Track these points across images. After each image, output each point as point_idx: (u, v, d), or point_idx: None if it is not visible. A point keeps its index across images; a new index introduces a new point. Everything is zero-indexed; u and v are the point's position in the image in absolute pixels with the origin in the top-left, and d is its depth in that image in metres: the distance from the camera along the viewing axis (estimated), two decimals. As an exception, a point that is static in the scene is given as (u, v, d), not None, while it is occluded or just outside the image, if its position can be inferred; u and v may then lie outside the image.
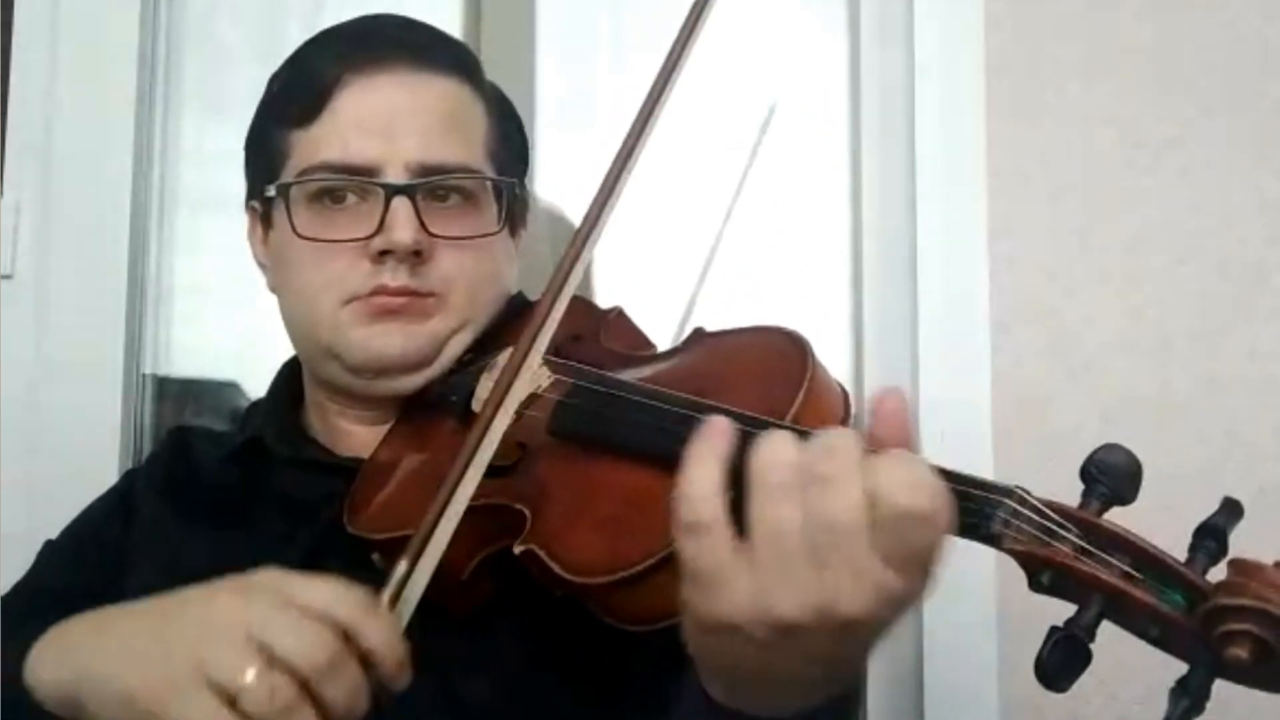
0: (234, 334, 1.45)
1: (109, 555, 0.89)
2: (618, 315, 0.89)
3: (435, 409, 0.86)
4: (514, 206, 0.93)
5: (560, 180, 1.38)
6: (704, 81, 1.41)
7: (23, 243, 1.34)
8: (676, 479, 0.54)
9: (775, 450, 0.53)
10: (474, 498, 0.69)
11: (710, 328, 0.80)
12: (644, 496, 0.62)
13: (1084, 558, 0.52)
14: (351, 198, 0.86)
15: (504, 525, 0.69)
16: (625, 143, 0.73)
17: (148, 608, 0.66)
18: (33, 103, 1.35)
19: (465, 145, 0.88)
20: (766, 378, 0.67)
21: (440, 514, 0.64)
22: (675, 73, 0.74)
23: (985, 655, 1.25)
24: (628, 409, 0.69)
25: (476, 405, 0.82)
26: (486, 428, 0.65)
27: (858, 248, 1.41)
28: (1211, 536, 0.53)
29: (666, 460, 0.56)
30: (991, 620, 1.23)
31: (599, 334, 0.86)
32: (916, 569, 0.52)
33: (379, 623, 0.60)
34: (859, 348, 1.40)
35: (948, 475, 0.55)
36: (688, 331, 0.82)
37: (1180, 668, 0.52)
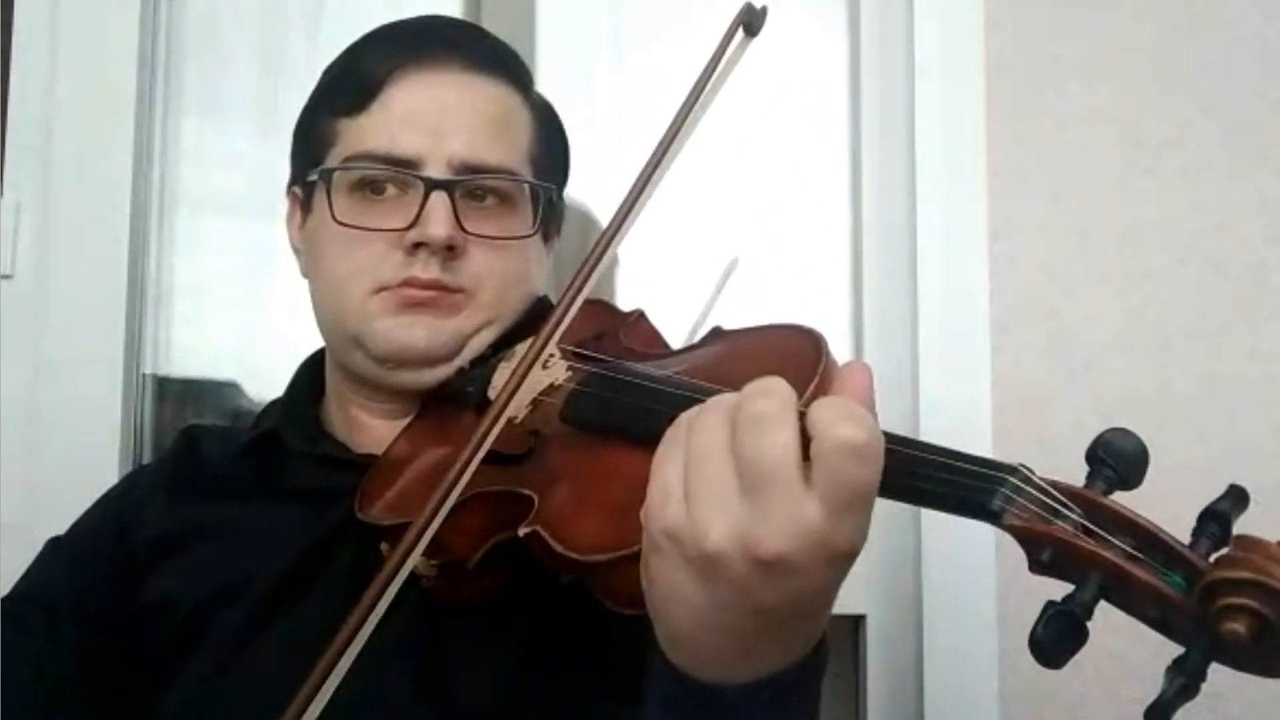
0: (234, 334, 1.45)
1: (112, 561, 0.89)
2: (639, 317, 0.91)
3: (452, 403, 0.87)
4: (549, 212, 0.94)
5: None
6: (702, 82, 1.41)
7: (23, 243, 1.34)
8: None
9: (721, 396, 0.57)
10: (483, 485, 0.70)
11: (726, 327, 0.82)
12: (649, 480, 0.63)
13: (1086, 536, 0.52)
14: (391, 189, 0.87)
15: (513, 511, 0.69)
16: (655, 151, 0.74)
17: None
18: (33, 103, 1.35)
19: (508, 148, 0.90)
20: (779, 370, 0.67)
21: (449, 489, 0.64)
22: (708, 90, 0.75)
23: (985, 654, 1.25)
24: (637, 395, 0.70)
25: (493, 393, 0.83)
26: (499, 414, 0.66)
27: (858, 247, 1.42)
28: (1215, 521, 0.53)
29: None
30: (992, 620, 1.23)
31: (620, 334, 0.87)
32: (847, 509, 0.52)
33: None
34: (859, 348, 1.40)
35: (948, 453, 0.55)
36: (687, 332, 0.83)
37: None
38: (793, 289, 1.44)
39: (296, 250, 0.96)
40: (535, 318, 0.92)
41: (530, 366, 0.68)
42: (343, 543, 0.82)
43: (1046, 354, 1.33)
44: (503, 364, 0.86)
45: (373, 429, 0.91)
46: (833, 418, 0.52)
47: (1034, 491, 0.53)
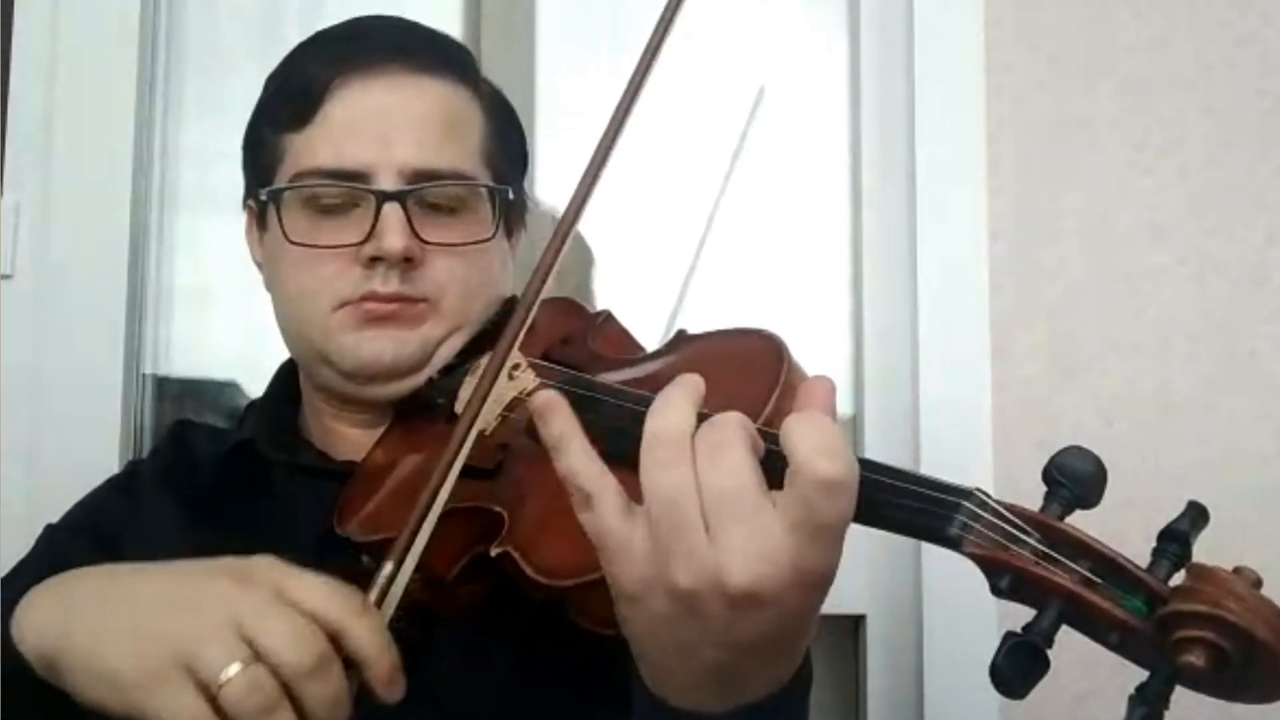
0: (234, 334, 1.45)
1: (107, 546, 0.88)
2: (606, 319, 0.89)
3: (424, 413, 0.86)
4: (509, 212, 0.92)
5: (560, 181, 1.38)
6: (704, 81, 1.41)
7: (23, 243, 1.34)
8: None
9: (665, 415, 0.55)
10: (456, 500, 0.69)
11: (695, 330, 0.81)
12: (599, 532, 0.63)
13: (1044, 562, 0.51)
14: (344, 203, 0.85)
15: (485, 528, 0.69)
16: (599, 146, 0.73)
17: (149, 578, 0.65)
18: (33, 103, 1.35)
19: (460, 150, 0.88)
20: (741, 379, 0.67)
21: (422, 517, 0.63)
22: (644, 80, 0.74)
23: (985, 654, 1.25)
24: (597, 410, 0.69)
25: (459, 407, 0.82)
26: (466, 432, 0.65)
27: (858, 248, 1.41)
28: (1174, 541, 0.51)
29: (629, 461, 0.56)
30: (991, 620, 1.23)
31: (586, 337, 0.85)
32: (818, 538, 0.51)
33: (369, 625, 0.60)
34: (859, 348, 1.40)
35: (905, 476, 0.55)
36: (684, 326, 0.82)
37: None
38: (792, 289, 1.44)
39: (258, 264, 0.94)
40: (505, 319, 0.91)
41: (492, 382, 0.67)
42: (324, 552, 0.79)
43: (1046, 354, 1.33)
44: (468, 377, 0.84)
45: (349, 437, 0.90)
46: (809, 450, 0.51)
47: (990, 517, 0.52)
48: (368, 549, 0.76)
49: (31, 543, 0.95)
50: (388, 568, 0.63)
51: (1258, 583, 0.49)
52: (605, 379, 0.75)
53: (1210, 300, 1.33)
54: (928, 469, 1.30)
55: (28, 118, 1.35)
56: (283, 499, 0.88)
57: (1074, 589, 0.50)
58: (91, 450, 1.31)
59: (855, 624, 1.36)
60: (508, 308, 0.92)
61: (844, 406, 1.41)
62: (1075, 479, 0.53)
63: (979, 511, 0.52)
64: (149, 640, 0.59)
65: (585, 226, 0.78)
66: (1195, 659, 0.47)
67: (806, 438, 0.52)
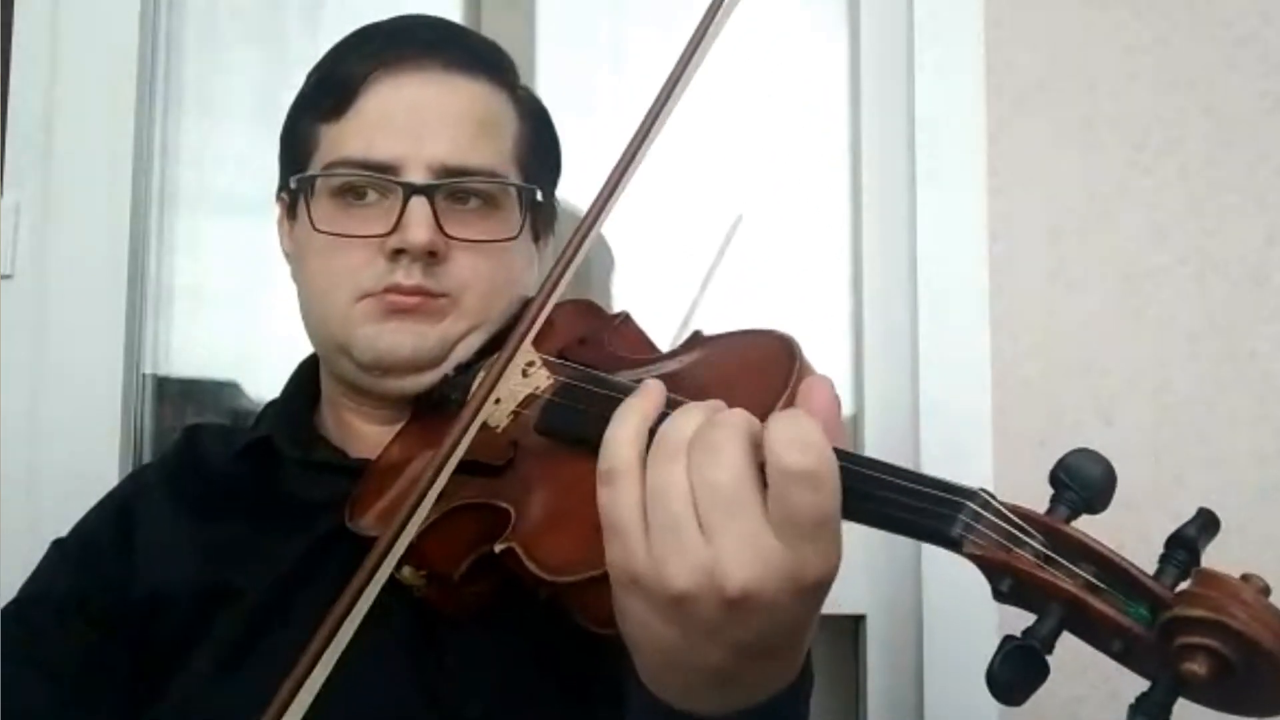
0: (234, 334, 1.45)
1: (116, 559, 0.89)
2: (624, 320, 0.89)
3: (440, 410, 0.86)
4: (537, 213, 0.93)
5: (560, 182, 1.38)
6: (703, 81, 1.41)
7: (23, 243, 1.34)
8: None
9: (678, 421, 0.55)
10: (464, 497, 0.69)
11: (709, 331, 0.81)
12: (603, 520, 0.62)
13: (1047, 566, 0.50)
14: (373, 194, 0.86)
15: (492, 525, 0.69)
16: (626, 151, 0.72)
17: None
18: (33, 103, 1.35)
19: (491, 149, 0.88)
20: (754, 379, 0.67)
21: (418, 501, 0.63)
22: (680, 85, 0.74)
23: (985, 655, 1.25)
24: (608, 408, 0.69)
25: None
26: (470, 419, 0.65)
27: (858, 248, 1.41)
28: (1183, 547, 0.50)
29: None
30: (991, 620, 1.23)
31: (604, 338, 0.86)
32: (806, 538, 0.51)
33: None
34: (859, 348, 1.40)
35: (907, 475, 0.54)
36: (686, 334, 0.82)
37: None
38: (792, 289, 1.44)
39: (287, 256, 0.95)
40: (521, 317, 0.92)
41: (499, 376, 0.66)
42: (338, 550, 0.81)
43: (1046, 354, 1.33)
44: (482, 373, 0.84)
45: (367, 434, 0.90)
46: (781, 444, 0.51)
47: (994, 518, 0.51)
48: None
49: (32, 541, 0.95)
50: (381, 542, 0.62)
51: (1265, 590, 0.47)
52: (620, 378, 0.75)
53: (1210, 300, 1.33)
54: (928, 469, 1.30)
55: (28, 118, 1.35)
56: (297, 495, 0.88)
57: (1077, 594, 0.49)
58: (91, 450, 1.31)
59: (855, 624, 1.36)
60: (526, 307, 0.93)
61: (844, 407, 1.40)
62: (1083, 482, 0.52)
63: (982, 512, 0.51)
64: None
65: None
66: (1197, 667, 0.46)
67: (780, 432, 0.52)
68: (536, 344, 0.77)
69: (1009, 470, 1.29)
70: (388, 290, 0.84)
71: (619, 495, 0.55)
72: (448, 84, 0.88)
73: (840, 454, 0.53)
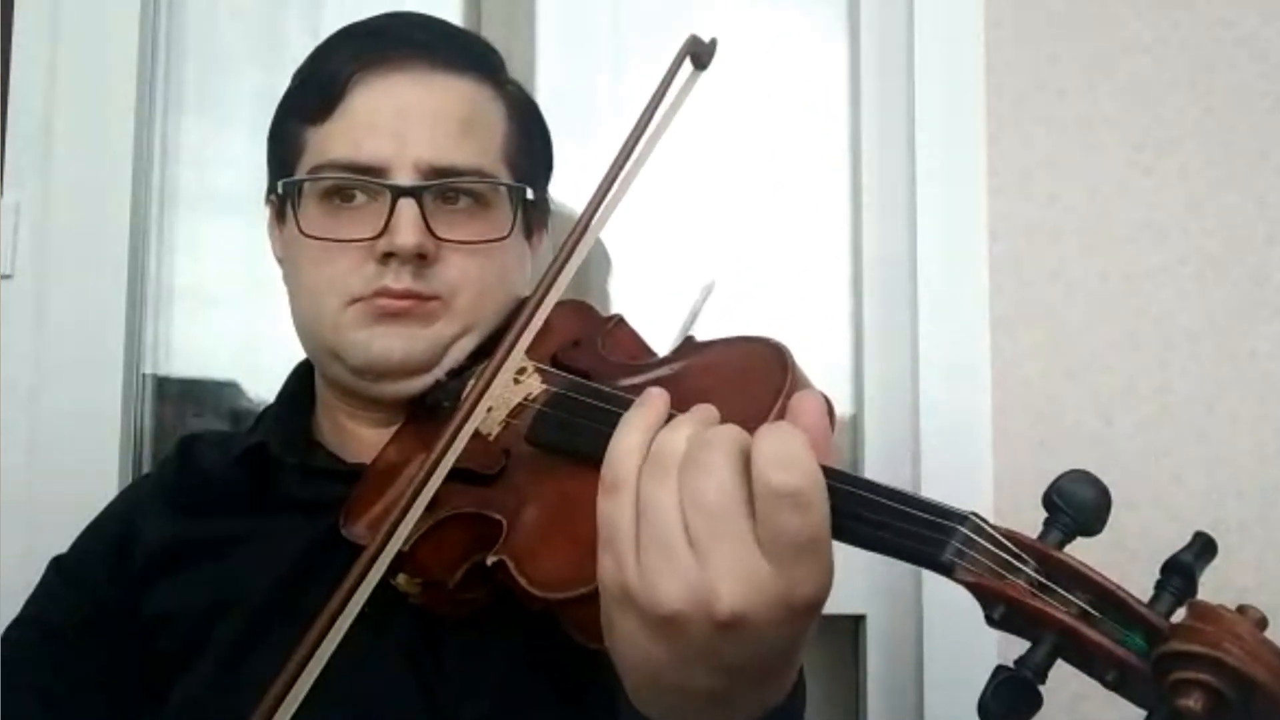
0: (234, 334, 1.45)
1: (116, 579, 0.88)
2: (617, 323, 0.88)
3: (432, 416, 0.85)
4: (528, 212, 0.91)
5: (560, 182, 1.38)
6: (703, 82, 1.41)
7: (23, 243, 1.34)
8: None
9: (668, 434, 0.55)
10: (457, 505, 0.68)
11: (704, 335, 0.80)
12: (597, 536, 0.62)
13: (1040, 593, 0.49)
14: (361, 197, 0.85)
15: (485, 535, 0.69)
16: (617, 158, 0.72)
17: None
18: (33, 103, 1.35)
19: (479, 148, 0.87)
20: (746, 388, 0.66)
21: (403, 513, 0.62)
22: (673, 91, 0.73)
23: (985, 655, 1.25)
24: (597, 419, 0.68)
25: None
26: (459, 426, 0.64)
27: (858, 249, 1.41)
28: (1179, 574, 0.49)
29: None
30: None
31: (597, 341, 0.84)
32: (794, 559, 0.50)
33: None
34: (859, 348, 1.40)
35: (898, 496, 0.53)
36: (686, 334, 0.82)
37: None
38: (793, 290, 1.44)
39: (279, 260, 0.94)
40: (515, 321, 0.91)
41: (490, 381, 0.66)
42: (335, 555, 0.79)
43: (1046, 354, 1.33)
44: (471, 382, 0.82)
45: (362, 438, 0.89)
46: (766, 461, 0.50)
47: (986, 544, 0.50)
48: None
49: (31, 541, 0.95)
50: (368, 552, 0.62)
51: (1262, 622, 0.46)
52: (612, 385, 0.74)
53: (1210, 300, 1.33)
54: (928, 469, 1.31)
55: (28, 118, 1.35)
56: (294, 500, 0.87)
57: (1071, 623, 0.48)
58: (91, 450, 1.31)
59: (855, 624, 1.36)
60: (520, 309, 0.92)
61: (844, 407, 1.41)
62: (1076, 505, 0.51)
63: (974, 537, 0.50)
64: None
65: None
66: (1192, 703, 0.45)
67: (765, 448, 0.51)
68: (530, 347, 0.76)
69: (1009, 470, 1.29)
70: (378, 294, 0.83)
71: (615, 508, 0.54)
72: (434, 83, 0.86)
73: (830, 473, 0.52)
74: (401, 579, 0.73)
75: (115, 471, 1.31)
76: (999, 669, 0.48)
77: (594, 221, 0.72)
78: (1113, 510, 0.52)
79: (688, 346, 0.79)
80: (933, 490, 1.30)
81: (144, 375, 1.40)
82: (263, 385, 0.98)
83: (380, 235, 0.82)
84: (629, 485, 0.54)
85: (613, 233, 1.39)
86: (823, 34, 1.48)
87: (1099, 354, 1.33)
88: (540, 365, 0.79)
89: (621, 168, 0.73)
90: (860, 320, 1.40)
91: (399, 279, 0.83)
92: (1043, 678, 0.48)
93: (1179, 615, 0.48)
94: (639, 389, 0.72)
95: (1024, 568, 0.50)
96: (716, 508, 0.51)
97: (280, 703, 0.59)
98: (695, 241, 1.42)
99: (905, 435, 1.34)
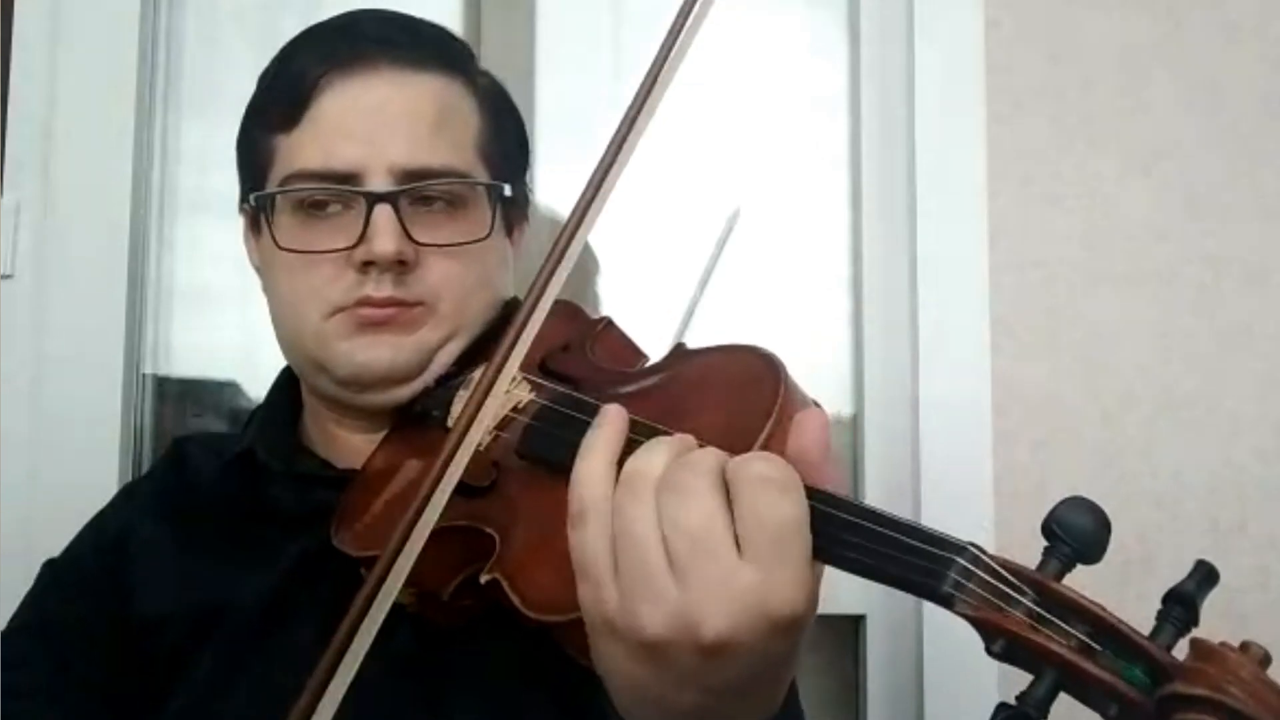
0: (234, 334, 1.45)
1: (110, 584, 0.87)
2: (606, 326, 0.86)
3: (420, 423, 0.84)
4: (508, 208, 0.89)
5: (560, 183, 1.38)
6: (703, 82, 1.41)
7: (23, 243, 1.34)
8: None
9: (644, 457, 0.54)
10: (449, 518, 0.67)
11: (709, 342, 0.79)
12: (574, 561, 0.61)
13: (1039, 626, 0.49)
14: (335, 205, 0.82)
15: (477, 547, 0.68)
16: (603, 158, 0.70)
17: None
18: (33, 103, 1.35)
19: (453, 146, 0.84)
20: (737, 400, 0.65)
21: (404, 539, 0.61)
22: (659, 83, 0.71)
23: (985, 655, 1.25)
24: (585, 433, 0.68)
25: (453, 422, 0.80)
26: (453, 451, 0.63)
27: (857, 249, 1.42)
28: (1181, 604, 0.48)
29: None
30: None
31: (586, 345, 0.83)
32: (777, 559, 0.50)
33: None
34: (859, 348, 1.40)
35: (897, 526, 0.52)
36: (686, 337, 0.81)
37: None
38: (793, 290, 1.44)
39: (256, 268, 0.91)
40: (505, 323, 0.89)
41: (479, 405, 0.64)
42: (326, 562, 0.79)
43: (1046, 354, 1.33)
44: (460, 393, 0.82)
45: (351, 443, 0.88)
46: (744, 459, 0.51)
47: (984, 575, 0.49)
48: (363, 564, 0.75)
49: (32, 541, 0.95)
50: (365, 589, 0.61)
51: (1265, 659, 0.46)
52: (598, 394, 0.73)
53: (1210, 300, 1.33)
54: (927, 468, 1.31)
55: (28, 118, 1.35)
56: (284, 508, 0.86)
57: (1071, 657, 0.48)
58: (91, 450, 1.31)
59: (855, 624, 1.36)
60: (508, 311, 0.90)
61: (844, 407, 1.41)
62: (1075, 534, 0.50)
63: (972, 569, 0.50)
64: None
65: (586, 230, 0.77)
66: None
67: (750, 456, 0.52)
68: None
69: (1008, 471, 1.29)
70: (359, 304, 0.81)
71: (587, 537, 0.53)
72: (403, 82, 0.84)
73: (828, 498, 0.52)
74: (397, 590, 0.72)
75: (115, 471, 1.31)
76: (1001, 706, 0.48)
77: (588, 216, 0.70)
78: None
79: (677, 354, 0.77)
80: (931, 491, 1.30)
81: (144, 375, 1.40)
82: (263, 385, 0.98)
83: (358, 244, 0.81)
84: (598, 512, 0.54)
85: (616, 232, 1.39)
86: (822, 34, 1.48)
87: (1099, 354, 1.33)
88: (529, 375, 0.78)
89: (631, 125, 0.69)
90: (860, 320, 1.40)
91: (380, 287, 0.81)
92: (1045, 713, 0.48)
93: (1181, 650, 0.48)
94: (629, 398, 0.70)
95: (1022, 599, 0.49)
96: (700, 529, 0.50)
97: None
98: (695, 241, 1.41)
99: (905, 435, 1.34)
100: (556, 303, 0.70)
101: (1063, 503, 0.51)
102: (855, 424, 1.39)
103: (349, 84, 0.83)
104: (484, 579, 0.65)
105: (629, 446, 0.56)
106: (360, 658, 0.60)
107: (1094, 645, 0.48)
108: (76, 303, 1.34)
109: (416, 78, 0.85)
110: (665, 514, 0.51)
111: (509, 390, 0.76)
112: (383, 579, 0.61)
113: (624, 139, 0.67)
